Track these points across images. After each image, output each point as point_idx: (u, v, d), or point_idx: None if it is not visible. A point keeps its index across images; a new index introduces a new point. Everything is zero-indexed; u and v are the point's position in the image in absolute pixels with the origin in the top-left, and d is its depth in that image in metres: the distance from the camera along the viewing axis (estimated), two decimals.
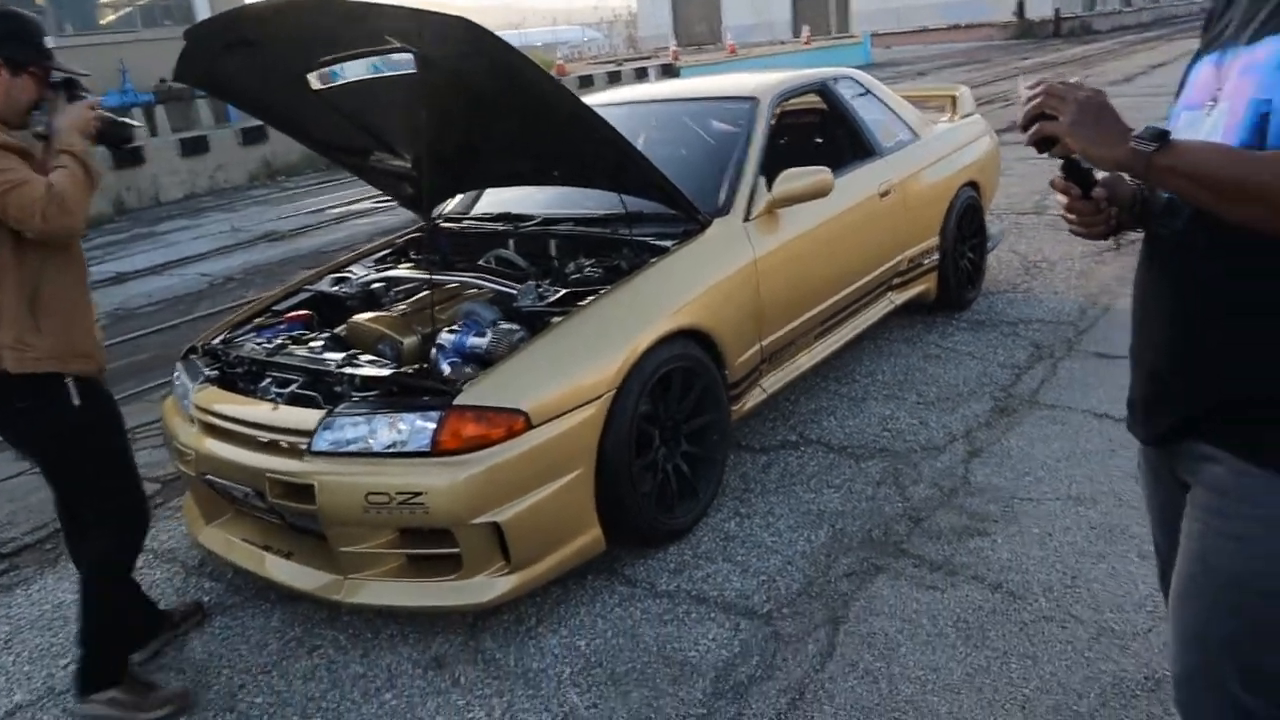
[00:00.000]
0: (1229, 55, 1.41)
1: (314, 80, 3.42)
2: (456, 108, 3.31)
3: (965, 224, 5.42)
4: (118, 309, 8.28)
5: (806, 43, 30.29)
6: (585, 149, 3.48)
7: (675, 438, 3.43)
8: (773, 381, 4.02)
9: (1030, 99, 1.42)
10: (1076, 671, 2.60)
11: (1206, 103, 1.43)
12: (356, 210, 11.76)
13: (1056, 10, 37.60)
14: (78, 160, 2.54)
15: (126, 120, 2.78)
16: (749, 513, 3.59)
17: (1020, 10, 38.21)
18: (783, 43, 34.96)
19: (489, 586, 2.92)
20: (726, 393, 3.64)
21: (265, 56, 3.28)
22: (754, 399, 3.90)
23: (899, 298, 5.00)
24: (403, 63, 3.09)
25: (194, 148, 15.54)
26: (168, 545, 3.84)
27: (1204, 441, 1.48)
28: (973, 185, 5.48)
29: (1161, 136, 1.33)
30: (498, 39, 2.78)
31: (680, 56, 27.40)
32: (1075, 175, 1.57)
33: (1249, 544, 1.42)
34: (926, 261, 5.14)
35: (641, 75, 23.83)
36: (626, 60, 31.23)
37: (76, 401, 2.64)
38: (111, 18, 19.81)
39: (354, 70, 3.28)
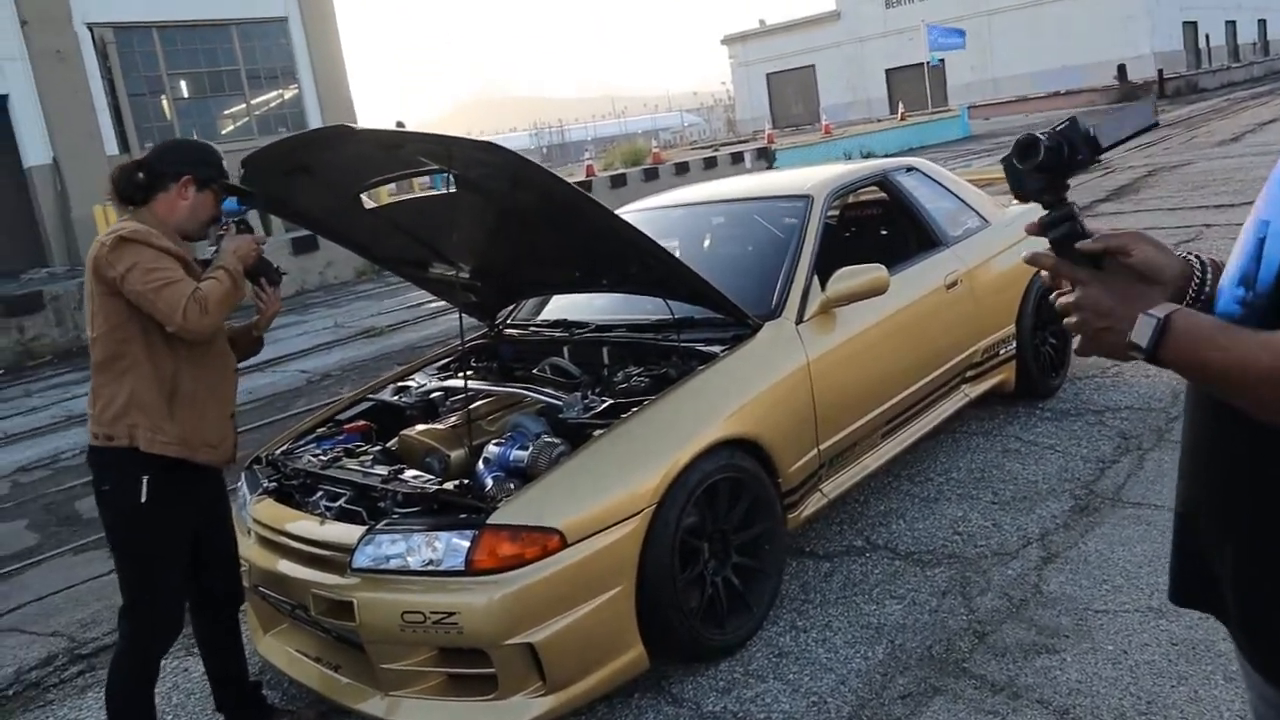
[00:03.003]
0: None
1: (366, 200, 3.53)
2: (499, 222, 3.37)
3: (1045, 309, 5.23)
4: None
5: (902, 119, 30.25)
6: (625, 259, 3.49)
7: (725, 550, 3.34)
8: (834, 485, 3.89)
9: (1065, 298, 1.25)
10: None
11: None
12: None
13: (1159, 71, 36.72)
14: (229, 275, 2.84)
15: (278, 267, 3.16)
16: (806, 625, 3.46)
17: (1122, 74, 37.36)
18: (879, 120, 34.99)
19: (525, 707, 2.86)
20: (780, 501, 3.54)
21: (320, 181, 3.40)
22: (813, 505, 3.77)
23: (974, 390, 4.83)
24: (445, 182, 3.17)
25: (305, 246, 16.25)
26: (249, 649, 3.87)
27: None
28: None
29: (1156, 332, 1.13)
30: (524, 159, 2.83)
31: (775, 139, 27.62)
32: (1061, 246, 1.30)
33: None
34: (1003, 351, 4.97)
35: (737, 159, 24.10)
36: (723, 145, 31.66)
37: (142, 499, 2.80)
38: (231, 127, 21.04)
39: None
